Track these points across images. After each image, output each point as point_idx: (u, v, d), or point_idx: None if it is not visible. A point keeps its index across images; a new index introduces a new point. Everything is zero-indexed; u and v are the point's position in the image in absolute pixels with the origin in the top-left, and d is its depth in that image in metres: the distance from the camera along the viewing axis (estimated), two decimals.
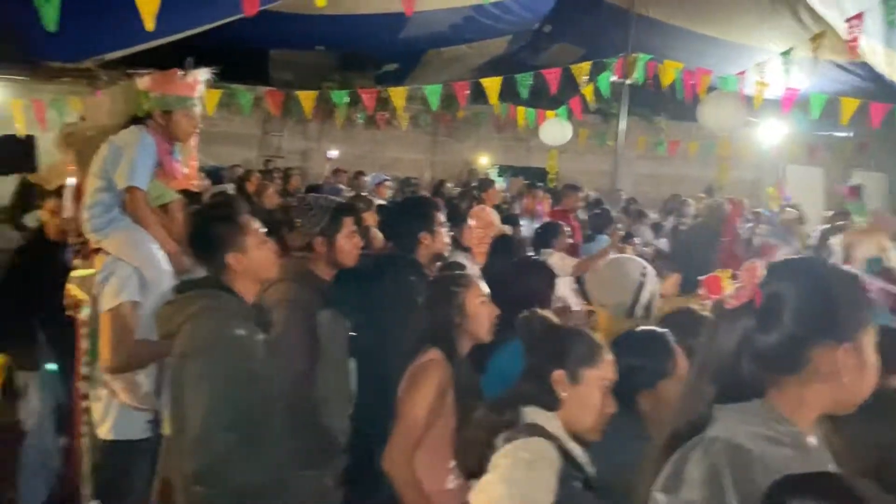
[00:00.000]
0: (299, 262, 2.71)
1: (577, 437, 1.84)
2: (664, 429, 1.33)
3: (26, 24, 7.32)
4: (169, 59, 3.06)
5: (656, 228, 8.33)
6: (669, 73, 8.69)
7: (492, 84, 8.54)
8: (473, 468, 1.83)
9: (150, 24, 2.88)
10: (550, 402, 1.86)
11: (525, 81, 8.77)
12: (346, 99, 9.77)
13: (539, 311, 2.03)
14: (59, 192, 3.88)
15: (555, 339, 1.93)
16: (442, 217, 3.18)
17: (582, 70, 8.87)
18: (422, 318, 2.51)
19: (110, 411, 2.85)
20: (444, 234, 3.18)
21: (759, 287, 1.28)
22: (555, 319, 2.00)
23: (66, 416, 3.68)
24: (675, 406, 1.36)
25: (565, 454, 1.75)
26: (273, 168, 11.49)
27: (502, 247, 3.83)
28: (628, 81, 8.68)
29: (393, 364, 2.57)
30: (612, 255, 3.93)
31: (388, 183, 8.84)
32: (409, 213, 3.32)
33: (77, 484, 3.05)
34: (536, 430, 1.79)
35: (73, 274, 3.08)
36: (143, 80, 2.96)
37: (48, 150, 10.47)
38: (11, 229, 9.67)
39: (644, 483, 1.30)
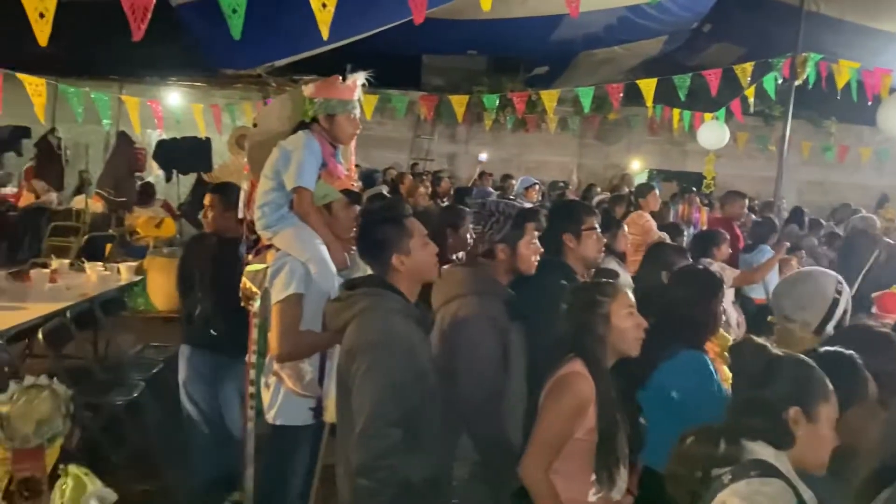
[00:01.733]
0: (482, 272, 2.73)
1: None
2: (862, 460, 1.22)
3: (207, 37, 7.96)
4: (329, 65, 3.19)
5: (829, 239, 7.73)
6: (845, 73, 8.10)
7: (648, 86, 8.31)
8: (684, 501, 1.76)
9: (325, 33, 3.04)
10: (784, 440, 1.75)
11: (683, 83, 8.47)
12: (496, 102, 9.84)
13: (753, 338, 1.93)
14: (213, 190, 4.16)
15: (787, 372, 1.81)
16: (593, 221, 3.10)
17: (745, 71, 8.43)
18: (564, 326, 2.45)
19: (278, 398, 2.99)
20: (595, 239, 3.09)
21: None
22: (772, 348, 1.89)
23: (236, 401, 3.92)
24: (877, 437, 1.24)
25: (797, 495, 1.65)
26: (424, 171, 11.78)
27: (660, 255, 3.67)
28: (797, 82, 8.15)
29: (542, 373, 2.54)
30: (805, 269, 3.70)
31: (536, 186, 8.80)
32: (555, 215, 3.26)
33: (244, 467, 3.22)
34: (769, 469, 1.69)
35: (248, 268, 3.26)
36: (308, 87, 3.10)
37: (220, 152, 11.36)
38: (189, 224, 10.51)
39: None
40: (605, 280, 2.49)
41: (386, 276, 2.32)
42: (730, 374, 3.06)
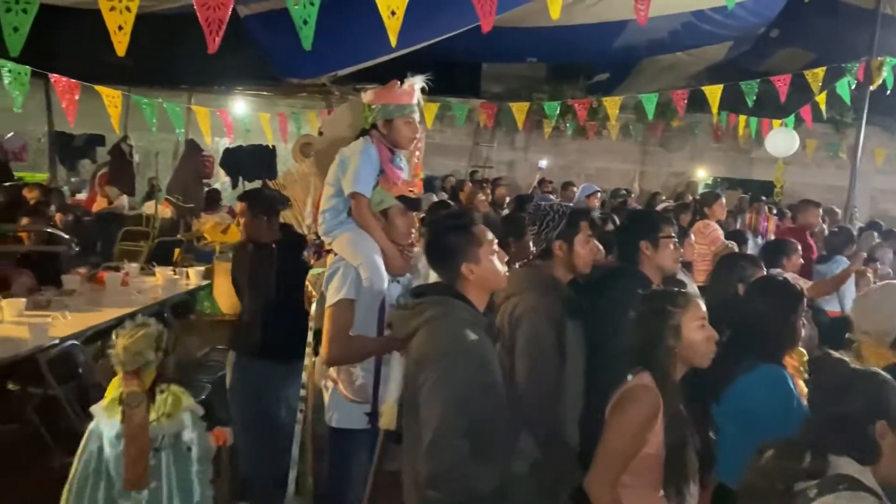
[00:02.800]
0: (540, 271, 2.73)
1: None
2: None
3: (273, 47, 8.15)
4: (390, 74, 3.22)
5: None
6: None
7: (714, 92, 8.15)
8: None
9: (394, 40, 3.07)
10: (870, 455, 1.73)
11: (751, 89, 8.28)
12: (557, 109, 9.78)
13: (832, 353, 1.89)
14: (242, 198, 4.22)
15: (867, 387, 1.79)
16: (670, 230, 3.04)
17: (817, 76, 8.19)
18: (632, 336, 2.41)
19: (334, 400, 3.02)
20: (672, 248, 3.02)
21: None
22: (851, 363, 1.85)
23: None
24: None
25: None
26: (482, 178, 11.78)
27: (734, 266, 3.57)
28: (872, 87, 7.87)
29: (607, 381, 2.51)
30: (883, 282, 3.58)
31: (598, 194, 8.70)
32: (632, 222, 3.24)
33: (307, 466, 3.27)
34: (857, 484, 1.66)
35: (310, 272, 3.32)
36: (367, 94, 3.14)
37: (285, 159, 11.57)
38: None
39: None
40: (676, 289, 2.42)
41: (454, 285, 2.30)
42: (806, 389, 2.98)
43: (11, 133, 10.09)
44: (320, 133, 3.39)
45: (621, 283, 2.84)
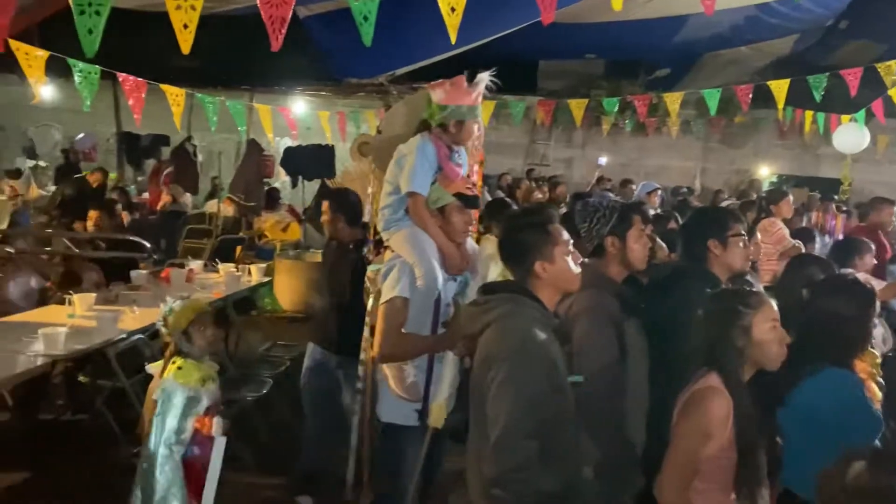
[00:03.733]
0: (593, 269, 2.65)
1: None
2: None
3: (332, 47, 8.25)
4: (447, 72, 3.20)
5: None
6: None
7: (780, 87, 7.89)
8: None
9: (454, 37, 3.06)
10: None
11: (819, 83, 7.98)
12: (616, 105, 9.64)
13: None
14: (327, 197, 4.37)
15: None
16: (740, 227, 2.94)
17: (890, 69, 7.86)
18: (701, 336, 2.34)
19: (384, 396, 3.02)
20: (742, 247, 2.93)
21: None
22: None
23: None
24: None
25: None
26: (538, 176, 11.71)
27: (803, 267, 3.44)
28: None
29: (673, 382, 2.46)
30: None
31: (658, 192, 8.54)
32: (699, 220, 3.13)
33: (360, 460, 3.29)
34: None
35: (369, 268, 3.34)
36: (437, 93, 3.06)
37: (343, 158, 11.71)
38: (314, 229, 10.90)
39: None
40: (749, 289, 2.35)
41: (526, 283, 2.26)
42: (880, 394, 2.87)
43: (82, 134, 10.46)
44: (379, 131, 3.39)
45: (689, 282, 2.77)
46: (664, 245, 3.68)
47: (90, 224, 6.02)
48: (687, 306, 2.66)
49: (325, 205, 4.24)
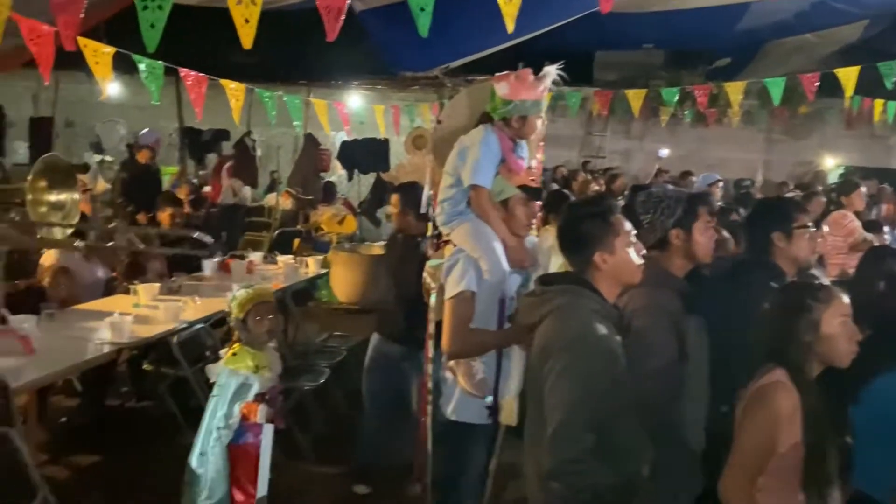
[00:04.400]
0: (654, 263, 2.56)
1: None
2: None
3: (387, 40, 8.28)
4: (502, 64, 3.14)
5: None
6: None
7: (848, 75, 7.59)
8: None
9: (511, 26, 3.02)
10: None
11: (890, 71, 7.65)
12: (676, 96, 9.43)
13: None
14: (397, 190, 4.37)
15: None
16: (805, 219, 2.84)
17: None
18: (768, 331, 2.27)
19: (454, 393, 2.98)
20: (809, 239, 2.82)
21: None
22: None
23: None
24: None
25: None
26: (595, 168, 11.56)
27: (879, 260, 3.28)
28: None
29: (736, 379, 2.38)
30: None
31: (720, 183, 8.34)
32: (763, 212, 3.03)
33: (423, 458, 3.28)
34: None
35: (428, 263, 3.31)
36: (501, 87, 2.99)
37: (398, 153, 11.78)
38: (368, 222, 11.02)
39: None
40: (819, 283, 2.27)
41: (585, 274, 2.21)
42: None
43: (146, 129, 10.77)
44: (439, 121, 3.36)
45: (754, 275, 2.69)
46: (730, 237, 3.59)
47: (165, 217, 6.21)
48: (751, 301, 2.57)
49: (394, 198, 4.28)
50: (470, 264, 2.85)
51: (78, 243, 1.89)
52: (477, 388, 2.87)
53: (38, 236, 1.82)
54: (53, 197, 1.79)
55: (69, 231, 1.70)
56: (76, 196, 1.75)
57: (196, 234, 2.02)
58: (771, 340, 2.23)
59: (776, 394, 2.12)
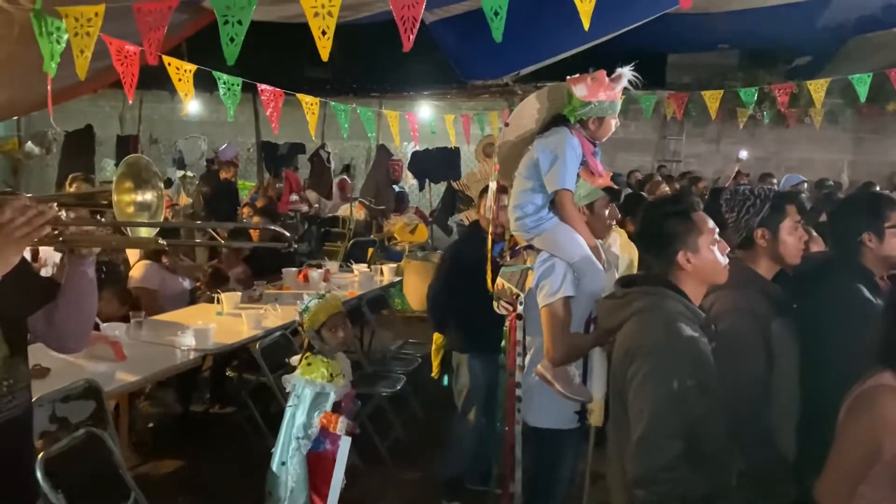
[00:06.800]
0: (737, 264, 2.48)
1: None
2: None
3: (458, 50, 8.32)
4: (572, 70, 3.10)
5: None
6: None
7: None
8: None
9: (587, 24, 2.98)
10: None
11: None
12: (755, 96, 9.15)
13: None
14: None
15: None
16: None
17: None
18: (872, 333, 2.15)
19: (542, 400, 2.96)
20: None
21: None
22: None
23: (493, 398, 4.02)
24: None
25: None
26: (669, 173, 11.31)
27: None
28: None
29: (834, 384, 2.27)
30: None
31: (804, 185, 8.04)
32: (850, 209, 2.84)
33: (508, 467, 3.22)
34: None
35: (503, 269, 3.27)
36: (579, 88, 2.96)
37: (468, 162, 11.82)
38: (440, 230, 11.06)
39: None
40: None
41: (668, 275, 2.15)
42: None
43: (226, 144, 11.12)
44: (506, 124, 3.33)
45: (840, 275, 2.57)
46: (820, 239, 3.43)
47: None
48: (840, 302, 2.47)
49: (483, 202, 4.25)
50: (563, 269, 2.84)
51: (162, 241, 1.94)
52: (577, 392, 2.85)
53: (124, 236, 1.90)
54: (139, 197, 1.84)
55: (155, 231, 1.77)
56: (161, 194, 1.80)
57: (279, 229, 2.07)
58: (882, 342, 2.11)
59: (883, 398, 2.00)
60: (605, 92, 2.95)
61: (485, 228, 4.03)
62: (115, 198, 1.76)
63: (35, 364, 3.49)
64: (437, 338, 4.70)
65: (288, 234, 2.10)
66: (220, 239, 6.37)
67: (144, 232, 1.90)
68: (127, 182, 1.81)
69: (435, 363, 4.75)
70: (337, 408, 3.36)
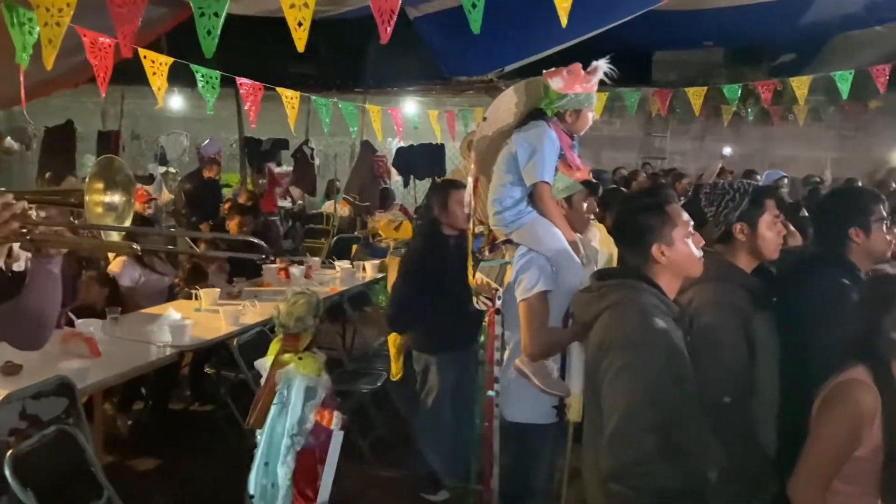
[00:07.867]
0: (717, 258, 2.46)
1: None
2: None
3: (442, 46, 8.29)
4: (555, 66, 3.09)
5: None
6: None
7: None
8: None
9: (564, 20, 2.98)
10: None
11: None
12: (738, 93, 9.18)
13: None
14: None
15: None
16: (882, 210, 2.65)
17: None
18: (846, 328, 2.14)
19: (520, 395, 2.95)
20: (886, 231, 2.66)
21: None
22: None
23: (465, 396, 4.00)
24: None
25: None
26: (656, 170, 11.33)
27: None
28: None
29: (809, 379, 2.26)
30: None
31: (785, 181, 8.07)
32: (835, 203, 2.84)
33: (487, 463, 3.21)
34: None
35: (482, 264, 3.24)
36: (555, 81, 2.97)
37: (452, 158, 11.77)
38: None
39: None
40: None
41: (643, 268, 2.13)
42: None
43: (208, 140, 11.03)
44: (484, 119, 3.30)
45: (824, 271, 2.56)
46: (798, 234, 3.43)
47: (233, 226, 6.50)
48: (823, 298, 2.46)
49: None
50: (543, 263, 2.83)
51: (136, 246, 1.90)
52: (554, 386, 2.84)
53: (93, 237, 1.84)
54: (108, 198, 1.79)
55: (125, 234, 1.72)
56: (130, 198, 1.74)
57: (254, 240, 1.99)
58: (855, 336, 2.10)
59: (856, 391, 2.00)
60: (581, 84, 2.95)
61: (447, 225, 4.01)
62: (86, 198, 1.71)
63: (7, 361, 3.45)
64: (394, 339, 4.58)
65: (265, 246, 2.06)
66: (195, 248, 6.29)
67: (117, 235, 1.86)
68: (98, 183, 1.77)
69: (396, 365, 4.66)
70: (332, 405, 3.34)
